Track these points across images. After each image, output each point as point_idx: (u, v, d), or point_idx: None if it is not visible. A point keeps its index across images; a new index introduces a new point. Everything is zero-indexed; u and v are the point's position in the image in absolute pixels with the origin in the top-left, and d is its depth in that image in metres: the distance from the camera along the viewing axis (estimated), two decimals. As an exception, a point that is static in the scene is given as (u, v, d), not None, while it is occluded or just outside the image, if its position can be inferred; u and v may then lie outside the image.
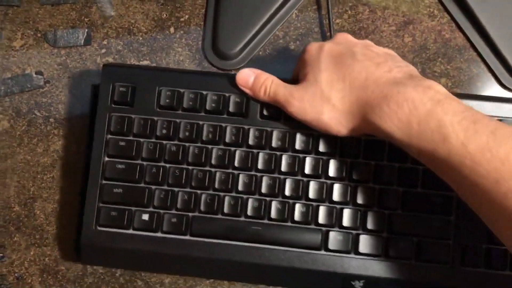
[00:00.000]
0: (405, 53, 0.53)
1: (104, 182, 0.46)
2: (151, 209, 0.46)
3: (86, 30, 0.54)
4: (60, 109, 0.53)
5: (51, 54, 0.54)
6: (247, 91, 0.46)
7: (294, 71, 0.48)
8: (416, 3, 0.54)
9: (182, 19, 0.54)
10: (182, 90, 0.47)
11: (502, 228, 0.36)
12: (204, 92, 0.46)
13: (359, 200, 0.45)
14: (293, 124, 0.45)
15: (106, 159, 0.47)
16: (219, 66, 0.53)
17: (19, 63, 0.54)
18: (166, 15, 0.54)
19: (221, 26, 0.53)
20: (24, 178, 0.52)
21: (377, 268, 0.45)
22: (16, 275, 0.51)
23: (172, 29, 0.54)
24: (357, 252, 0.45)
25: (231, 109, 0.46)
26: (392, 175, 0.45)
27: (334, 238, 0.45)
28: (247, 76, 0.45)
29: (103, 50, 0.54)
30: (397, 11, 0.54)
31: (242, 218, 0.46)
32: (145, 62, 0.53)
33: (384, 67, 0.40)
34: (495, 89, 0.52)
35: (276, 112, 0.46)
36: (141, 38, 0.54)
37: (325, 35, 0.53)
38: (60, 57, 0.54)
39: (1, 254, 0.51)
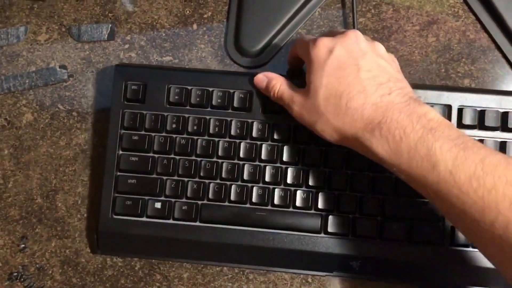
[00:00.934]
0: (428, 53, 0.52)
1: (119, 173, 0.49)
2: (163, 198, 0.49)
3: (110, 25, 0.54)
4: (83, 103, 0.53)
5: (75, 48, 0.54)
6: (264, 92, 0.48)
7: (292, 50, 0.49)
8: (440, 2, 0.53)
9: (205, 16, 0.54)
10: (190, 88, 0.49)
11: (492, 255, 0.37)
12: (210, 89, 0.49)
13: (356, 187, 0.48)
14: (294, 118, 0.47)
15: (120, 152, 0.49)
16: (241, 63, 0.53)
17: (43, 57, 0.54)
18: (189, 11, 0.54)
19: (244, 23, 0.53)
20: (46, 171, 0.52)
21: (373, 249, 0.47)
22: (37, 266, 0.51)
23: (195, 26, 0.54)
24: (354, 235, 0.47)
25: (235, 104, 0.49)
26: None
27: (333, 221, 0.48)
28: (261, 81, 0.48)
29: (127, 46, 0.54)
30: (421, 11, 0.53)
31: (248, 205, 0.48)
32: (168, 58, 0.54)
33: (384, 89, 0.40)
34: (519, 91, 0.51)
35: (278, 107, 0.48)
36: (164, 34, 0.54)
37: (348, 34, 0.53)
38: (84, 51, 0.54)
39: (23, 245, 0.52)
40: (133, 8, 0.55)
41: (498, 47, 0.52)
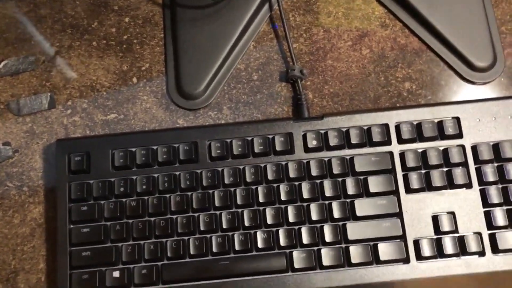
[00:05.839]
0: (365, 64, 0.54)
1: (72, 248, 0.47)
2: (120, 265, 0.47)
3: (49, 94, 0.54)
4: (32, 177, 0.52)
5: (17, 123, 0.53)
6: None
7: None
8: (367, 16, 0.55)
9: (143, 68, 0.54)
10: (133, 149, 0.49)
11: None
12: (155, 147, 0.49)
13: (314, 217, 0.47)
14: (241, 160, 0.48)
15: (71, 226, 0.48)
16: (187, 106, 0.53)
17: (-15, 137, 0.53)
18: (127, 66, 0.55)
19: (183, 68, 0.53)
20: (3, 253, 0.50)
21: (342, 278, 0.46)
22: None
23: (134, 79, 0.54)
24: (322, 266, 0.46)
25: (181, 157, 0.48)
26: (336, 190, 0.47)
27: (298, 257, 0.46)
28: None
29: (69, 111, 0.53)
30: (350, 27, 0.55)
31: (209, 257, 0.47)
32: (113, 116, 0.53)
33: None
34: (458, 84, 0.53)
35: (224, 151, 0.48)
36: (105, 93, 0.54)
37: (286, 60, 0.54)
38: (26, 124, 0.53)
39: (-11, 337, 0.48)
40: (70, 74, 0.54)
41: (429, 47, 0.54)
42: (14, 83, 0.54)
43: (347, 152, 0.48)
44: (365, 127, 0.48)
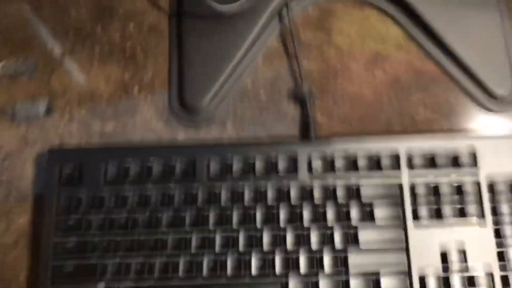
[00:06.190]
0: (377, 87, 0.51)
1: (54, 262, 0.45)
2: (104, 284, 0.44)
3: (47, 100, 0.52)
4: (21, 185, 0.49)
5: (11, 128, 0.51)
6: None
7: None
8: (382, 36, 0.53)
9: (145, 78, 0.52)
10: (128, 164, 0.46)
11: None
12: (151, 163, 0.46)
13: (314, 245, 0.44)
14: (240, 182, 0.46)
15: (56, 239, 0.45)
16: (188, 121, 0.51)
17: (-23, 141, 0.51)
18: (129, 76, 0.52)
19: (187, 80, 0.51)
20: (-13, 264, 0.47)
21: None
22: None
23: (136, 90, 0.52)
24: None
25: (177, 175, 0.46)
26: (340, 218, 0.45)
27: (294, 286, 0.43)
28: None
29: (66, 119, 0.51)
30: (364, 46, 0.52)
31: (200, 281, 0.44)
32: (110, 126, 0.51)
33: None
34: (475, 112, 0.50)
35: (223, 172, 0.46)
36: (104, 103, 0.52)
37: (295, 78, 0.52)
38: (20, 130, 0.51)
39: None
40: (69, 80, 0.52)
41: (446, 72, 0.51)
42: (11, 86, 0.52)
43: (353, 179, 0.45)
44: (375, 154, 0.46)
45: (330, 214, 0.44)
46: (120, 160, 0.47)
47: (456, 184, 0.45)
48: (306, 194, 0.45)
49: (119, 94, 0.52)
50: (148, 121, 0.51)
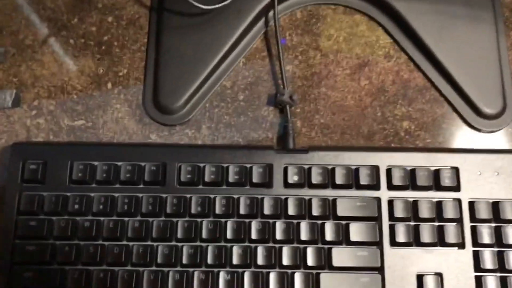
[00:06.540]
0: (362, 97, 0.49)
1: (14, 266, 0.42)
2: None
3: (15, 91, 0.49)
4: (-16, 180, 0.47)
5: (-25, 119, 0.49)
6: None
7: None
8: (370, 44, 0.50)
9: (120, 74, 0.50)
10: (95, 163, 0.44)
11: None
12: (119, 163, 0.44)
13: (285, 262, 0.42)
14: (212, 189, 0.43)
15: (16, 241, 0.43)
16: (162, 121, 0.48)
17: None
18: (103, 70, 0.50)
19: (163, 79, 0.48)
20: None
21: None
22: None
23: (109, 85, 0.49)
24: None
25: (146, 178, 0.43)
26: (313, 234, 0.42)
27: None
28: None
29: (34, 112, 0.49)
30: (351, 54, 0.50)
31: None
32: (80, 122, 0.48)
33: None
34: (461, 129, 0.48)
35: (194, 177, 0.43)
36: (75, 96, 0.49)
37: (277, 83, 0.49)
38: (-15, 121, 0.48)
39: None
40: (40, 71, 0.50)
41: (434, 86, 0.49)
42: (-21, 74, 0.50)
43: (330, 193, 0.43)
44: (353, 167, 0.44)
45: (304, 229, 0.42)
46: (87, 158, 0.44)
47: (436, 201, 0.43)
48: (280, 206, 0.43)
49: (92, 88, 0.49)
50: (119, 118, 0.48)
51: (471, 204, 0.43)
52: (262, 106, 0.49)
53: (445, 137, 0.48)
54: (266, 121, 0.48)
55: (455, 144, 0.48)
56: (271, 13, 0.51)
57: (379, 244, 0.42)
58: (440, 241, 0.42)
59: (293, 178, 0.43)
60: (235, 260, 0.42)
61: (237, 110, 0.49)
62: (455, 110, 0.49)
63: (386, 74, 0.50)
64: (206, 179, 0.43)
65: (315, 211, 0.43)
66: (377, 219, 0.43)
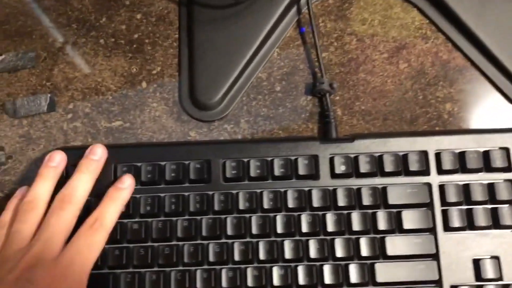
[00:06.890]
0: (402, 80, 0.48)
1: None
2: None
3: (49, 95, 0.49)
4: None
5: (12, 126, 0.48)
6: None
7: None
8: (406, 26, 0.49)
9: (154, 72, 0.49)
10: (138, 164, 0.43)
11: None
12: (162, 163, 0.43)
13: (338, 254, 0.41)
14: (258, 183, 0.43)
15: None
16: (200, 117, 0.48)
17: (-24, 140, 0.48)
18: (136, 69, 0.49)
19: (198, 74, 0.48)
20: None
21: None
22: None
23: (144, 84, 0.49)
24: None
25: (192, 176, 0.43)
26: (365, 224, 0.42)
27: None
28: None
29: (70, 115, 0.48)
30: (387, 37, 0.49)
31: None
32: (118, 123, 0.48)
33: None
34: (506, 108, 0.47)
35: (240, 172, 0.43)
36: (110, 97, 0.49)
37: (313, 71, 0.48)
38: (22, 128, 0.48)
39: None
40: (73, 73, 0.49)
41: (475, 65, 0.48)
42: (12, 81, 0.49)
43: (379, 181, 0.42)
44: (401, 154, 0.43)
45: (355, 219, 0.42)
46: (130, 160, 0.44)
47: (487, 183, 0.42)
48: (329, 198, 0.42)
49: (126, 88, 0.49)
50: (157, 117, 0.48)
51: (525, 183, 0.42)
52: (300, 96, 0.48)
53: (490, 117, 0.47)
54: (305, 111, 0.47)
55: (501, 124, 0.46)
56: (303, 0, 0.49)
57: (432, 230, 0.41)
58: (495, 223, 0.41)
59: (340, 168, 0.43)
60: (287, 255, 0.41)
61: (275, 101, 0.48)
62: (498, 88, 0.47)
63: (424, 56, 0.48)
64: (252, 174, 0.43)
65: (366, 201, 0.42)
66: (429, 205, 0.42)
